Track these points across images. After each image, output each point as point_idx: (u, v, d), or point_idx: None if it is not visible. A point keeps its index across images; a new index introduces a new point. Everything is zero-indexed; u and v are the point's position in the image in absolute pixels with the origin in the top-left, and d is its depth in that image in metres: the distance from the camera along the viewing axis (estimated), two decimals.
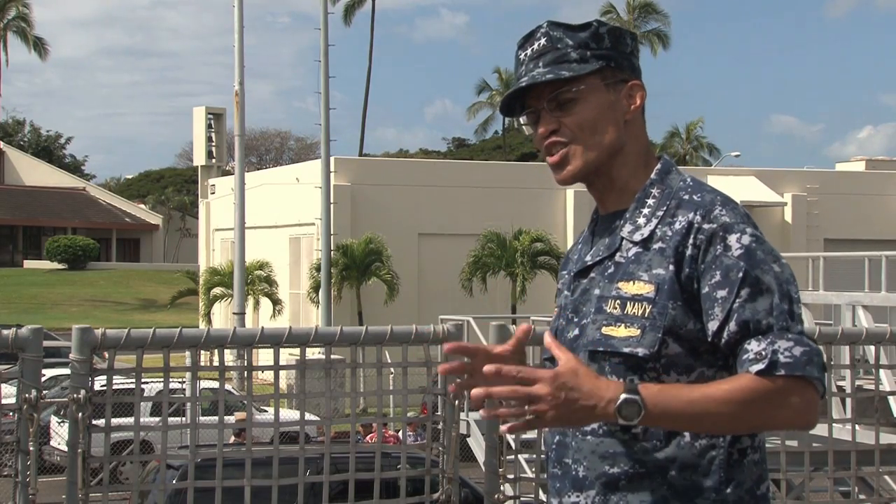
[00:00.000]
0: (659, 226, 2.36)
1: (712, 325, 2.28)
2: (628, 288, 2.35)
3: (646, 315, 2.32)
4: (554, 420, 2.19)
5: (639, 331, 2.32)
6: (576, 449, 2.39)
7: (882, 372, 6.23)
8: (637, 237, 2.38)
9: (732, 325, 2.26)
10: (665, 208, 2.37)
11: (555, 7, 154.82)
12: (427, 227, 32.57)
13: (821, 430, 5.20)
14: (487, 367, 2.18)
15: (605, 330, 2.36)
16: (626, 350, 2.32)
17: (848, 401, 5.29)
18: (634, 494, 2.32)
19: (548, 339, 2.32)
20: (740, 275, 2.26)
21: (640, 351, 2.31)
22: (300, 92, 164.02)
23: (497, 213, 31.94)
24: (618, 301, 2.35)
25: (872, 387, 5.73)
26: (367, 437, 18.40)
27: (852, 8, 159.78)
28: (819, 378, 2.22)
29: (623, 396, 2.18)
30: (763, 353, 2.22)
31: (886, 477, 8.67)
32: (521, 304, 29.75)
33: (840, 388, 7.60)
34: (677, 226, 2.34)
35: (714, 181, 35.32)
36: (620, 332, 2.34)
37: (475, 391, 2.17)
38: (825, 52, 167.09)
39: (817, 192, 36.50)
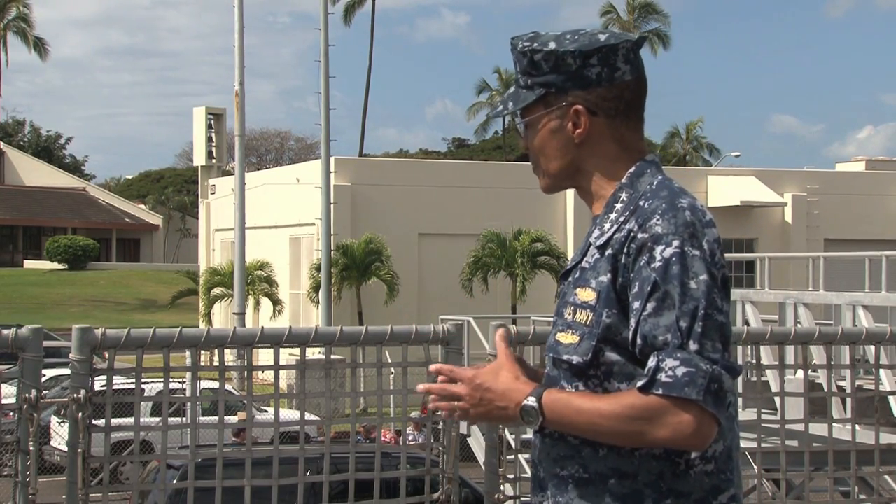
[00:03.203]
0: (616, 232, 2.36)
1: (629, 336, 2.30)
2: (581, 294, 2.38)
3: (587, 323, 2.35)
4: (476, 417, 2.40)
5: (578, 338, 2.35)
6: (539, 451, 2.45)
7: (882, 372, 6.23)
8: (598, 243, 2.40)
9: (638, 339, 2.28)
10: (627, 214, 2.37)
11: (555, 7, 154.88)
12: (427, 227, 32.58)
13: (821, 430, 5.21)
14: (432, 367, 2.49)
15: (557, 336, 2.41)
16: (565, 357, 2.37)
17: (848, 401, 5.29)
18: (580, 499, 2.36)
19: (497, 337, 2.47)
20: (648, 288, 2.27)
21: (575, 359, 2.35)
22: (300, 92, 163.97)
23: (497, 213, 31.94)
24: (572, 307, 2.39)
25: (872, 387, 5.73)
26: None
27: (852, 8, 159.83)
28: (700, 400, 2.19)
29: (523, 403, 2.32)
30: (649, 369, 2.24)
31: (886, 477, 8.67)
32: (521, 305, 29.75)
33: (840, 388, 7.60)
34: (623, 233, 2.35)
35: (714, 181, 35.38)
36: (567, 338, 2.38)
37: (420, 387, 2.52)
38: (825, 52, 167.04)
39: (817, 193, 36.49)
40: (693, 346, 2.22)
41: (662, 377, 2.21)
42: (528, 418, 2.31)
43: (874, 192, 37.03)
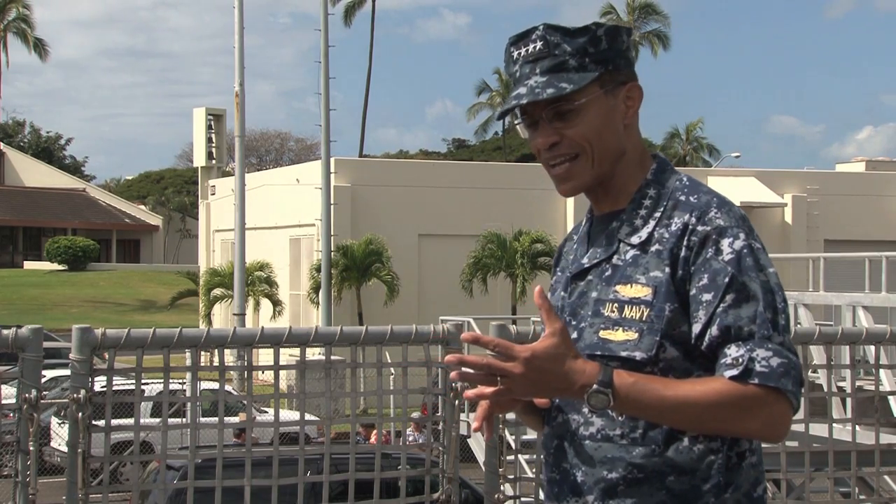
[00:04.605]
0: (657, 228, 2.34)
1: (696, 328, 2.27)
2: (626, 291, 2.33)
3: (643, 318, 2.30)
4: (523, 395, 2.26)
5: (636, 334, 2.30)
6: (574, 453, 2.38)
7: (882, 372, 6.23)
8: (635, 240, 2.35)
9: (714, 330, 2.24)
10: (662, 209, 2.35)
11: (555, 7, 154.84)
12: (427, 227, 32.58)
13: (821, 430, 5.21)
14: (464, 335, 2.29)
15: (602, 333, 2.34)
16: (624, 354, 2.30)
17: (848, 401, 5.29)
18: (632, 500, 2.31)
19: (538, 299, 2.28)
20: (727, 279, 2.25)
21: (638, 354, 2.29)
22: (300, 93, 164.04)
23: (497, 213, 31.94)
24: (615, 304, 2.33)
25: (872, 387, 5.73)
26: (373, 438, 18.34)
27: (852, 8, 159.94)
28: (793, 391, 2.20)
29: (594, 387, 2.21)
30: (740, 359, 2.21)
31: (886, 477, 8.67)
32: (521, 305, 29.75)
33: (840, 388, 7.59)
34: (673, 227, 2.32)
35: (714, 182, 35.34)
36: (618, 335, 2.32)
37: (448, 357, 2.24)
38: (825, 53, 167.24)
39: (817, 193, 36.49)
40: (779, 337, 2.23)
41: (757, 367, 2.19)
42: (595, 402, 2.22)
43: (874, 193, 37.03)
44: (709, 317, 2.25)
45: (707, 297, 2.25)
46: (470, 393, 2.24)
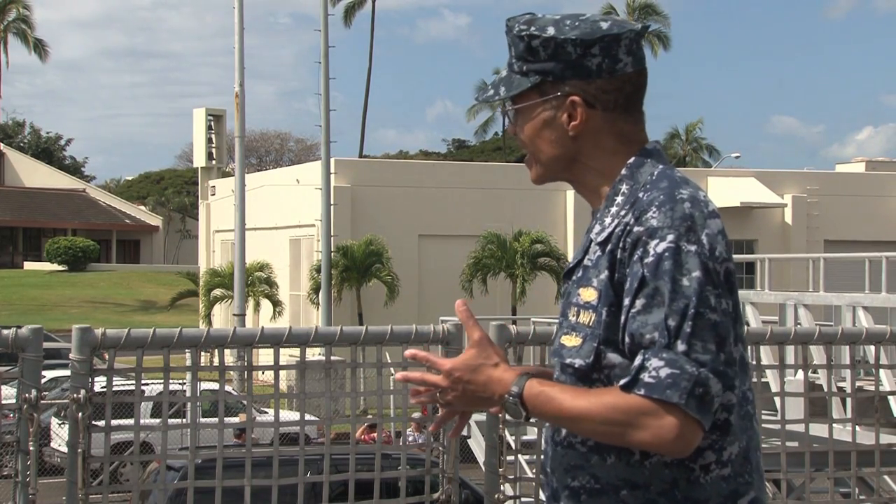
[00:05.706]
0: (617, 227, 2.25)
1: (620, 334, 2.21)
2: (584, 294, 2.27)
3: (590, 323, 2.24)
4: (461, 407, 2.32)
5: (580, 340, 2.25)
6: (550, 458, 2.37)
7: (882, 372, 6.23)
8: (600, 239, 2.29)
9: (626, 337, 2.18)
10: (627, 207, 2.26)
11: (555, 9, 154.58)
12: (427, 228, 32.59)
13: (821, 430, 5.21)
14: (406, 353, 2.44)
15: (562, 338, 2.31)
16: (569, 360, 2.27)
17: (848, 401, 5.29)
18: None
19: (458, 310, 2.35)
20: (637, 284, 2.16)
21: (577, 362, 2.25)
22: (301, 93, 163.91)
23: (497, 214, 31.96)
24: (576, 308, 2.28)
25: (872, 387, 5.73)
26: (365, 437, 18.30)
27: (852, 9, 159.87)
28: (682, 403, 2.09)
29: (506, 397, 2.24)
30: (633, 368, 2.14)
31: (886, 477, 8.68)
32: (521, 306, 29.77)
33: (840, 389, 7.60)
34: (620, 227, 2.24)
35: (714, 182, 35.38)
36: (571, 341, 2.28)
37: (397, 375, 2.39)
38: (825, 53, 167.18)
39: (817, 194, 36.50)
40: (681, 346, 2.11)
41: (645, 377, 2.11)
42: (511, 412, 2.22)
43: (874, 193, 37.04)
44: (623, 322, 2.19)
45: (626, 301, 2.19)
46: (413, 400, 2.38)
